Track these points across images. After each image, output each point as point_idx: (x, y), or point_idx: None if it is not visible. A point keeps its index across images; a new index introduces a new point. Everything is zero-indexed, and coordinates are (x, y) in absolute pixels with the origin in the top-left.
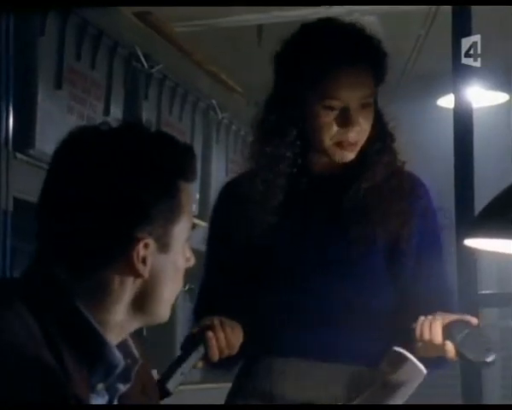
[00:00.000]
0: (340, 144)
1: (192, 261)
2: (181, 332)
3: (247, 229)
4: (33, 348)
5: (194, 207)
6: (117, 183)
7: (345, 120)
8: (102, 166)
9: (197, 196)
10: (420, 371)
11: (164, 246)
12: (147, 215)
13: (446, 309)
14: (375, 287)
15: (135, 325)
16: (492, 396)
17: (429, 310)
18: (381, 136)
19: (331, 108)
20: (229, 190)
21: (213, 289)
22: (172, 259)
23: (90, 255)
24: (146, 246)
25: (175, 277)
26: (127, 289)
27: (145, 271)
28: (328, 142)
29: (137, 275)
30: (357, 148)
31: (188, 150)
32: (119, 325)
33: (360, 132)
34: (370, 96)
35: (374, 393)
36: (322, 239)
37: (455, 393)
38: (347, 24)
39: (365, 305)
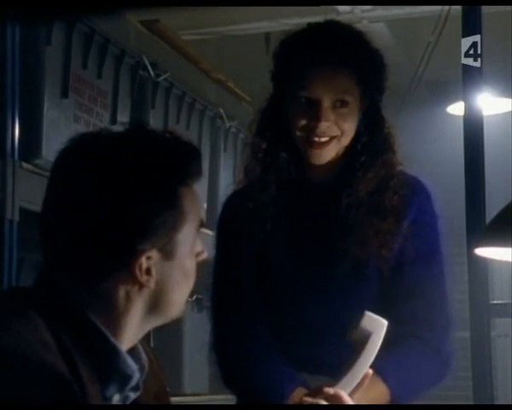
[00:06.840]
0: (309, 142)
1: (205, 255)
2: (188, 342)
3: (268, 246)
4: (49, 358)
5: (205, 206)
6: (116, 197)
7: (313, 112)
8: (100, 179)
9: (205, 205)
10: (377, 320)
11: (169, 254)
12: (147, 229)
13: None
14: (368, 305)
15: (147, 327)
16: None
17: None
18: (383, 148)
19: (302, 99)
20: (242, 207)
21: (235, 320)
22: (178, 263)
23: (92, 269)
24: (149, 258)
25: (183, 280)
26: (134, 299)
27: (150, 281)
28: (297, 134)
29: (142, 286)
30: (330, 147)
31: (187, 152)
32: (131, 332)
33: (331, 129)
34: (346, 94)
35: (351, 362)
36: (316, 256)
37: (466, 396)
38: (341, 26)
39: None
